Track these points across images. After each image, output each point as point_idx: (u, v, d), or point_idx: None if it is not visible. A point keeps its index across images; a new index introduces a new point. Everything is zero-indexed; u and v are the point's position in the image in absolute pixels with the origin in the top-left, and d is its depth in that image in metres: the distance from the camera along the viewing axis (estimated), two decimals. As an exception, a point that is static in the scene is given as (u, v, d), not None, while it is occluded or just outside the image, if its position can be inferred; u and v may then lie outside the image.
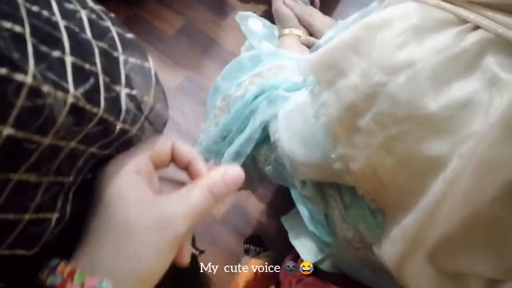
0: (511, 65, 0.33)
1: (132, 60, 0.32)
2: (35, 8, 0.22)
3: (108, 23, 0.30)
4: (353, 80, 0.41)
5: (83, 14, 0.27)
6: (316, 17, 0.85)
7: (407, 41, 0.37)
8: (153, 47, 1.53)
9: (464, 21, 0.36)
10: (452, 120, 0.34)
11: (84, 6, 0.28)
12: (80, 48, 0.25)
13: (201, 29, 1.55)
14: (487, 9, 0.34)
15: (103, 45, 0.28)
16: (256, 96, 0.67)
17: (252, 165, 0.76)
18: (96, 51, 0.27)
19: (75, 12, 0.26)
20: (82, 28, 0.26)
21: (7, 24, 0.19)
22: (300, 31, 0.83)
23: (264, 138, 0.68)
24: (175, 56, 1.51)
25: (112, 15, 0.33)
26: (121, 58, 0.30)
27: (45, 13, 0.23)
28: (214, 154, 0.76)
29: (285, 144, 0.57)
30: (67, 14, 0.25)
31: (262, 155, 0.70)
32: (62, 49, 0.23)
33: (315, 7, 0.90)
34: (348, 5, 1.52)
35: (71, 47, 0.24)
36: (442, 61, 0.35)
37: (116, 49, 0.30)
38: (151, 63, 0.35)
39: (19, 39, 0.20)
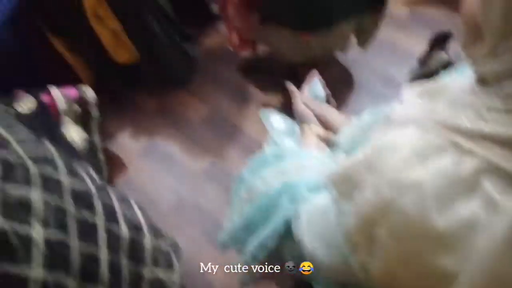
0: (506, 188, 0.37)
1: None
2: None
3: None
4: (368, 195, 0.45)
5: None
6: (332, 115, 0.92)
7: (412, 164, 0.41)
8: (181, 133, 1.63)
9: (460, 145, 0.40)
10: (459, 237, 0.37)
11: None
12: None
13: (224, 116, 1.65)
14: (483, 140, 0.39)
15: None
16: (280, 193, 0.70)
17: (277, 257, 0.76)
18: None
19: None
20: None
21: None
22: (319, 129, 0.90)
23: (289, 233, 0.68)
24: (201, 142, 1.60)
25: None
26: None
27: None
28: (238, 242, 0.78)
29: (307, 245, 0.59)
30: None
31: (287, 248, 0.71)
32: None
33: (331, 104, 0.98)
34: (360, 97, 1.62)
35: None
36: (444, 183, 0.39)
37: None
38: None
39: None
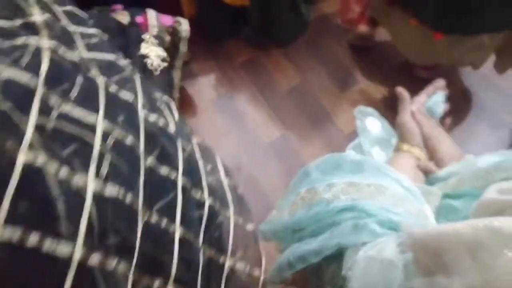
0: None
1: None
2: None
3: None
4: None
5: None
6: (444, 143, 0.74)
7: None
8: (261, 95, 1.53)
9: None
10: None
11: None
12: None
13: (315, 94, 1.51)
14: None
15: None
16: (343, 210, 0.60)
17: (315, 272, 0.68)
18: None
19: None
20: None
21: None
22: (421, 152, 0.73)
23: (337, 255, 0.59)
24: (280, 112, 1.48)
25: None
26: None
27: None
28: (278, 239, 0.71)
29: (354, 286, 0.50)
30: None
31: (330, 270, 0.63)
32: None
33: (445, 125, 0.79)
34: (478, 121, 1.39)
35: None
36: None
37: None
38: None
39: None
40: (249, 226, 0.34)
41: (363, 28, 1.54)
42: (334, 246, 0.57)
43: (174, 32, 1.32)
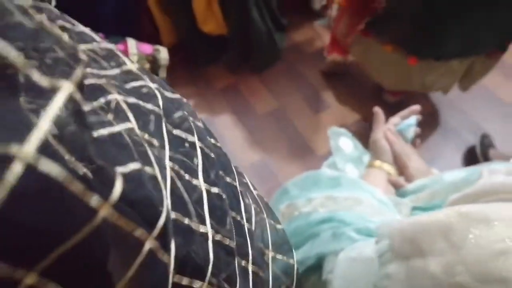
0: None
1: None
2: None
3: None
4: (432, 268, 0.36)
5: None
6: (413, 160, 0.79)
7: (507, 251, 0.32)
8: (240, 119, 1.56)
9: None
10: None
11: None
12: None
13: (291, 117, 1.56)
14: None
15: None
16: (322, 222, 0.63)
17: (296, 286, 0.71)
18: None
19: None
20: None
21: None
22: (391, 168, 0.78)
23: (317, 267, 0.61)
24: (258, 136, 1.52)
25: None
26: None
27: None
28: None
29: None
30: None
31: (310, 283, 0.64)
32: None
33: (415, 146, 0.84)
34: (445, 142, 1.46)
35: None
36: None
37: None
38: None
39: None
40: (279, 226, 0.35)
41: (336, 56, 1.61)
42: (315, 255, 0.59)
43: (153, 60, 1.34)
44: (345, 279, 0.51)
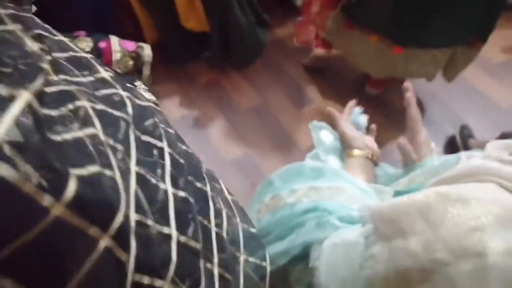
0: None
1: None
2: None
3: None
4: (413, 247, 0.37)
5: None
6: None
7: (482, 228, 0.34)
8: (223, 115, 1.57)
9: None
10: None
11: None
12: None
13: (274, 112, 1.57)
14: None
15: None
16: (306, 211, 0.64)
17: (282, 277, 0.71)
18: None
19: None
20: None
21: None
22: (369, 151, 0.80)
23: (303, 256, 0.62)
24: (241, 131, 1.53)
25: None
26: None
27: None
28: None
29: (322, 277, 0.53)
30: None
31: (296, 272, 0.65)
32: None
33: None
34: (427, 131, 1.49)
35: None
36: None
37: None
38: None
39: None
40: (253, 230, 0.36)
41: (319, 51, 1.62)
42: (300, 244, 0.60)
43: (137, 56, 1.33)
44: (330, 264, 0.53)
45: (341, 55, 1.61)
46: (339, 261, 0.51)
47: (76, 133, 0.21)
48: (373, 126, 0.89)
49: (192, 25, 1.52)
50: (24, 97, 0.18)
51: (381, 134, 0.86)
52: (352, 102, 0.91)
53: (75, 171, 0.18)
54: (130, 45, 1.33)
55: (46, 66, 0.20)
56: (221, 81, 1.67)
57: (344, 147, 0.84)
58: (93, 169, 0.20)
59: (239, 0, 1.48)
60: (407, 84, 0.85)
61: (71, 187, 0.18)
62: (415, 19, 1.21)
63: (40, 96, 0.19)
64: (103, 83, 0.28)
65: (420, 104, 1.57)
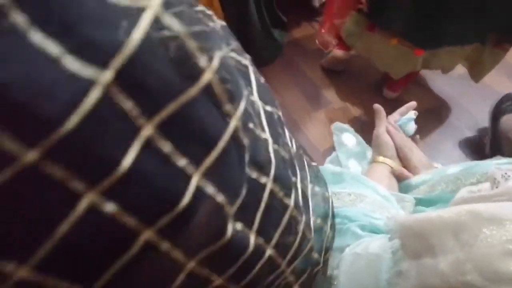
0: None
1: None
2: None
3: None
4: (442, 266, 0.36)
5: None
6: (415, 152, 0.80)
7: None
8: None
9: None
10: None
11: None
12: None
13: (291, 113, 1.56)
14: None
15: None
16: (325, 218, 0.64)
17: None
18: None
19: None
20: None
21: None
22: (394, 163, 0.78)
23: (324, 262, 0.63)
24: (257, 132, 1.51)
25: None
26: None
27: None
28: None
29: (340, 287, 0.52)
30: None
31: (316, 279, 0.65)
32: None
33: (415, 142, 0.85)
34: (444, 138, 1.47)
35: None
36: None
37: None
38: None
39: None
40: (314, 163, 0.39)
41: (338, 52, 1.61)
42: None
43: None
44: (350, 274, 0.52)
45: (360, 57, 1.59)
46: (361, 273, 0.50)
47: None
48: (417, 136, 0.87)
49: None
50: None
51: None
52: (412, 103, 0.88)
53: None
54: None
55: None
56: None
57: (374, 150, 0.82)
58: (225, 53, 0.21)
59: (256, 1, 1.47)
60: (377, 109, 0.83)
61: (216, 61, 0.18)
62: (434, 22, 1.19)
63: None
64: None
65: (441, 111, 1.56)
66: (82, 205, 0.14)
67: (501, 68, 1.41)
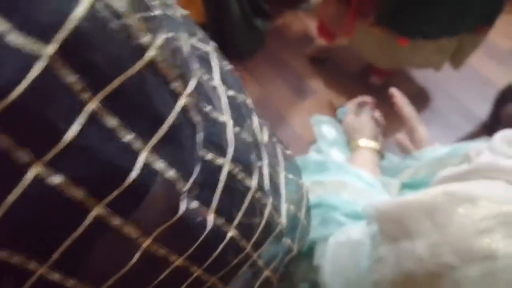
0: None
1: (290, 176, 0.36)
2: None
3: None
4: (419, 250, 0.36)
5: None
6: (421, 125, 0.79)
7: (491, 229, 0.33)
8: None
9: None
10: None
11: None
12: None
13: (276, 104, 1.54)
14: None
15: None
16: (311, 207, 0.63)
17: (287, 278, 0.71)
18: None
19: None
20: None
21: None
22: (376, 144, 0.77)
23: (308, 253, 0.61)
24: (242, 123, 1.50)
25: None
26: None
27: None
28: None
29: (326, 276, 0.52)
30: None
31: (301, 270, 0.64)
32: None
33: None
34: (431, 124, 1.46)
35: None
36: None
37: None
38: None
39: None
40: (288, 152, 0.41)
41: (322, 41, 1.60)
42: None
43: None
44: (335, 263, 0.52)
45: (345, 45, 1.58)
46: (344, 260, 0.50)
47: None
48: (380, 118, 0.86)
49: (190, 16, 1.49)
50: None
51: (387, 124, 0.83)
52: (366, 98, 0.88)
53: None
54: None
55: None
56: (221, 73, 1.65)
57: (351, 138, 0.81)
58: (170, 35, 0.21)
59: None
60: (392, 90, 0.82)
61: (159, 40, 0.19)
62: (418, 10, 1.18)
63: None
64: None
65: (426, 96, 1.55)
66: (29, 175, 0.15)
67: (483, 49, 1.40)
